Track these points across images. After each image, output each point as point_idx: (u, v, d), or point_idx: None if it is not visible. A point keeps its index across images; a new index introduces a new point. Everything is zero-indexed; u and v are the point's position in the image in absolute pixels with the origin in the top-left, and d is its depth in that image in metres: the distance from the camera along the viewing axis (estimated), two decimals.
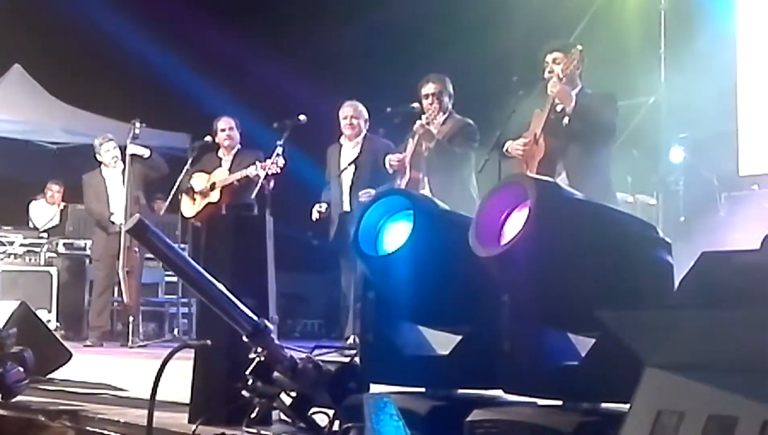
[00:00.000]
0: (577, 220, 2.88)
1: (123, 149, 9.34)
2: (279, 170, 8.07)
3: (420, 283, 3.13)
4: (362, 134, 7.99)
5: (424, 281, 3.14)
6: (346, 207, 7.81)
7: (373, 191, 7.37)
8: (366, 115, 8.03)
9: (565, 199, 2.95)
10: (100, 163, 9.43)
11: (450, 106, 7.18)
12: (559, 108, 6.15)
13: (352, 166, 7.83)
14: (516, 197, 2.90)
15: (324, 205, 7.97)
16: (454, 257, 3.03)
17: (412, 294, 3.15)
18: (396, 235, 3.23)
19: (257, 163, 8.23)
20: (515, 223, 2.88)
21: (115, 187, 9.32)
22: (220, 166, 8.82)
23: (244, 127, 8.98)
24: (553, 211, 2.82)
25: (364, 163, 7.80)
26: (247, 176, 8.33)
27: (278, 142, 7.94)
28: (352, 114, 7.98)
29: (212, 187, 8.63)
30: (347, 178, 7.84)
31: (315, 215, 7.96)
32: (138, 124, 9.09)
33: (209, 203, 8.56)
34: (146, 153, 9.08)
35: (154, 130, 9.85)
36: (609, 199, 5.94)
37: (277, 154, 8.03)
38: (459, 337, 3.20)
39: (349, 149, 7.96)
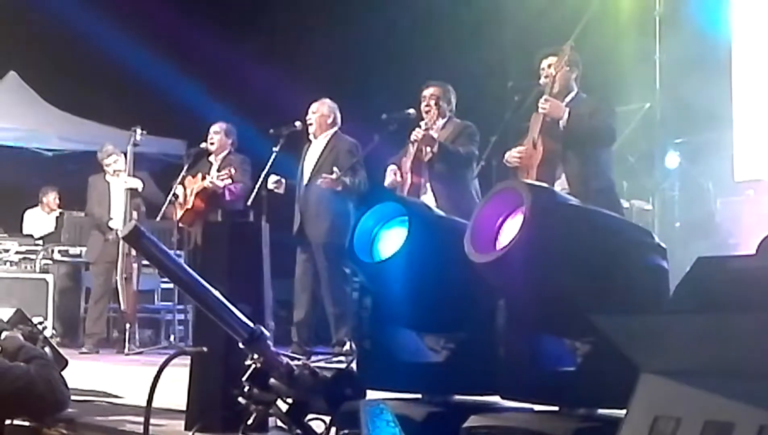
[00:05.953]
0: (572, 225, 2.88)
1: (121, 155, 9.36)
2: (230, 181, 8.31)
3: (416, 289, 3.14)
4: (331, 131, 7.94)
5: (420, 287, 3.14)
6: (303, 201, 7.78)
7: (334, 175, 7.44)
8: (335, 113, 7.98)
9: (559, 204, 2.95)
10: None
11: (449, 112, 7.16)
12: None
13: (314, 161, 7.81)
14: (511, 203, 2.90)
15: (281, 181, 7.86)
16: (450, 263, 3.03)
17: (408, 300, 3.16)
18: (391, 241, 3.23)
19: (231, 170, 8.36)
20: (510, 229, 2.87)
21: (117, 194, 9.32)
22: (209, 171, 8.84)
23: (242, 135, 8.97)
24: (547, 216, 2.82)
25: (326, 159, 7.78)
26: (213, 183, 8.40)
27: (274, 149, 7.93)
28: (314, 111, 7.95)
29: (190, 192, 8.65)
30: (307, 173, 7.81)
31: (270, 186, 7.84)
32: (139, 131, 9.11)
33: (186, 208, 8.60)
34: (139, 186, 9.14)
35: (150, 136, 9.85)
36: (612, 201, 5.91)
37: (231, 168, 8.31)
38: (454, 343, 3.21)
39: (316, 145, 7.94)
